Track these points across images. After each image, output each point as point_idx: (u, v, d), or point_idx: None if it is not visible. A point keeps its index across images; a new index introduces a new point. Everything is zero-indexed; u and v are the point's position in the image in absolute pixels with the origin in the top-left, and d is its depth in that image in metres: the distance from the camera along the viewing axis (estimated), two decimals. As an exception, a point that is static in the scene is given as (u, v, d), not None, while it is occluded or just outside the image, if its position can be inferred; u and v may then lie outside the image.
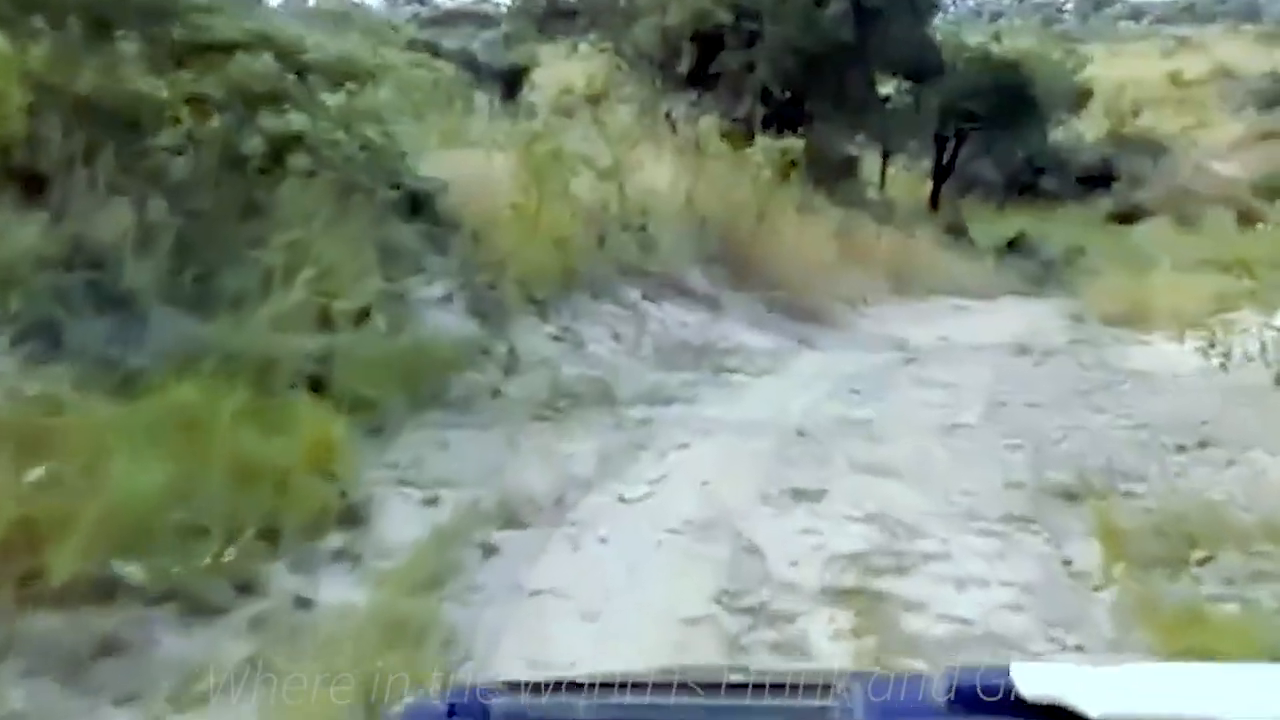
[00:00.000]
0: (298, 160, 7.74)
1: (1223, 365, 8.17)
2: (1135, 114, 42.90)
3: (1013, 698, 0.95)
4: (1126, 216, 36.77)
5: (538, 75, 28.71)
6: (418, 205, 9.15)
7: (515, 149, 10.52)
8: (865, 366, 10.03)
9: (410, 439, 6.03)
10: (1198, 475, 6.09)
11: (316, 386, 6.09)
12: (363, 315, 7.21)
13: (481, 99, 18.34)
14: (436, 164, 9.67)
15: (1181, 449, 6.57)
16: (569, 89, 26.82)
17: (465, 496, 5.26)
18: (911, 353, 11.19)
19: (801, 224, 14.70)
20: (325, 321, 6.87)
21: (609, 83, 19.75)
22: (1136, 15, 68.77)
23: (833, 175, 24.10)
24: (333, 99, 8.42)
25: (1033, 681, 0.96)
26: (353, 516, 4.72)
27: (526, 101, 23.61)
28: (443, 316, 8.09)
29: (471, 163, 10.29)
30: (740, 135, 15.71)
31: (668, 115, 13.55)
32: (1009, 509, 5.51)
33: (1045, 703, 0.94)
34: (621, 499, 5.54)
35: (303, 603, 3.96)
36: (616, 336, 9.39)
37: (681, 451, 6.44)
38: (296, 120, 7.94)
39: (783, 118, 18.46)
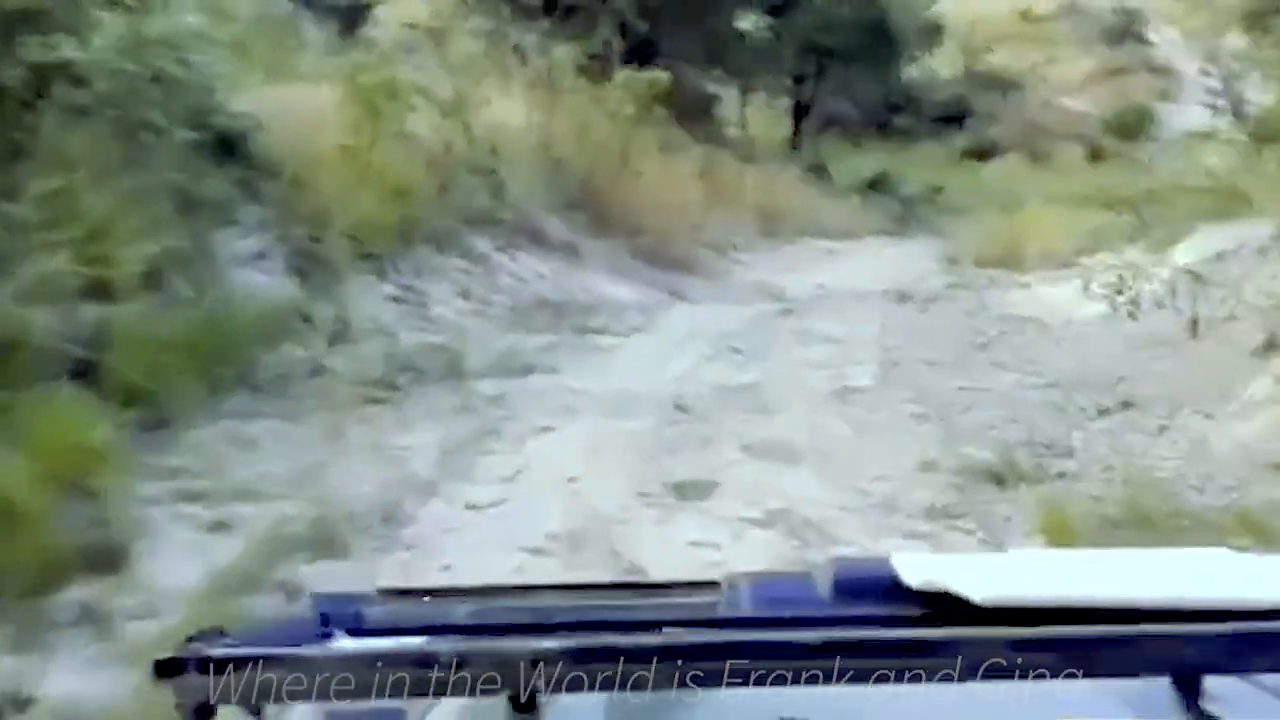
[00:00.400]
0: (64, 93, 6.40)
1: (1131, 314, 7.54)
2: (987, 50, 43.05)
3: (896, 586, 0.94)
4: (980, 153, 36.86)
5: (381, 10, 26.91)
6: (228, 147, 7.82)
7: (344, 83, 9.22)
8: (743, 320, 9.14)
9: (203, 436, 4.87)
10: (1130, 445, 5.36)
11: (83, 374, 4.88)
12: (150, 281, 5.97)
13: (316, 32, 16.77)
14: (256, 101, 8.37)
15: (1104, 412, 5.84)
16: (413, 23, 25.18)
17: (268, 514, 4.15)
18: (790, 303, 10.36)
19: (665, 165, 13.71)
20: (100, 290, 5.63)
21: (454, 14, 18.30)
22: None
23: (693, 113, 23.20)
24: (115, 24, 7.05)
25: (915, 570, 0.95)
26: (108, 556, 3.58)
27: (367, 37, 21.95)
28: (255, 277, 6.86)
29: (298, 100, 8.97)
30: (596, 71, 14.62)
31: (516, 48, 12.35)
32: (931, 499, 4.66)
33: (929, 590, 0.93)
34: (470, 506, 4.50)
35: (17, 703, 2.83)
36: (465, 294, 8.29)
37: (542, 438, 5.43)
38: (65, 45, 6.58)
39: (640, 52, 17.39)
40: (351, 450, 5.01)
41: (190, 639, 0.88)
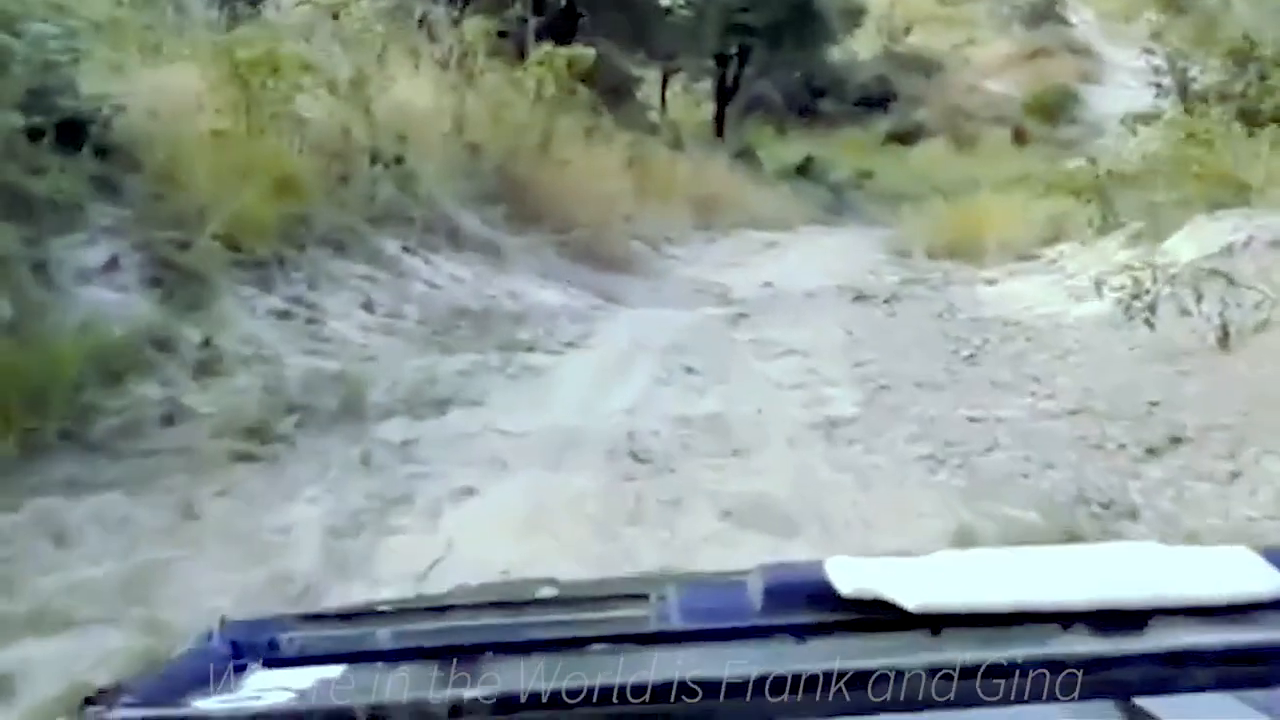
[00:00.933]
0: None
1: (1149, 320, 6.52)
2: (906, 31, 42.46)
3: (829, 593, 0.93)
4: (904, 137, 36.16)
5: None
6: (75, 135, 6.45)
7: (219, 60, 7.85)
8: (690, 329, 7.98)
9: (2, 526, 3.57)
10: (1201, 498, 4.29)
11: None
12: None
13: (207, 10, 15.22)
14: (125, 83, 7.01)
15: (1152, 452, 4.77)
16: None
17: (71, 654, 2.88)
18: (739, 306, 9.23)
19: (591, 152, 12.52)
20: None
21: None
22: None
23: (614, 97, 22.01)
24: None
25: (848, 576, 0.93)
26: None
27: (265, 17, 20.36)
28: (102, 294, 5.52)
29: (172, 82, 7.60)
30: (512, 49, 13.36)
31: (422, 22, 11.03)
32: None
33: (861, 597, 0.92)
34: (368, 623, 3.30)
35: None
36: (368, 305, 7.00)
37: (465, 505, 4.19)
38: None
39: (557, 29, 16.16)
40: (209, 536, 3.74)
41: (88, 700, 0.84)
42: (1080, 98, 35.72)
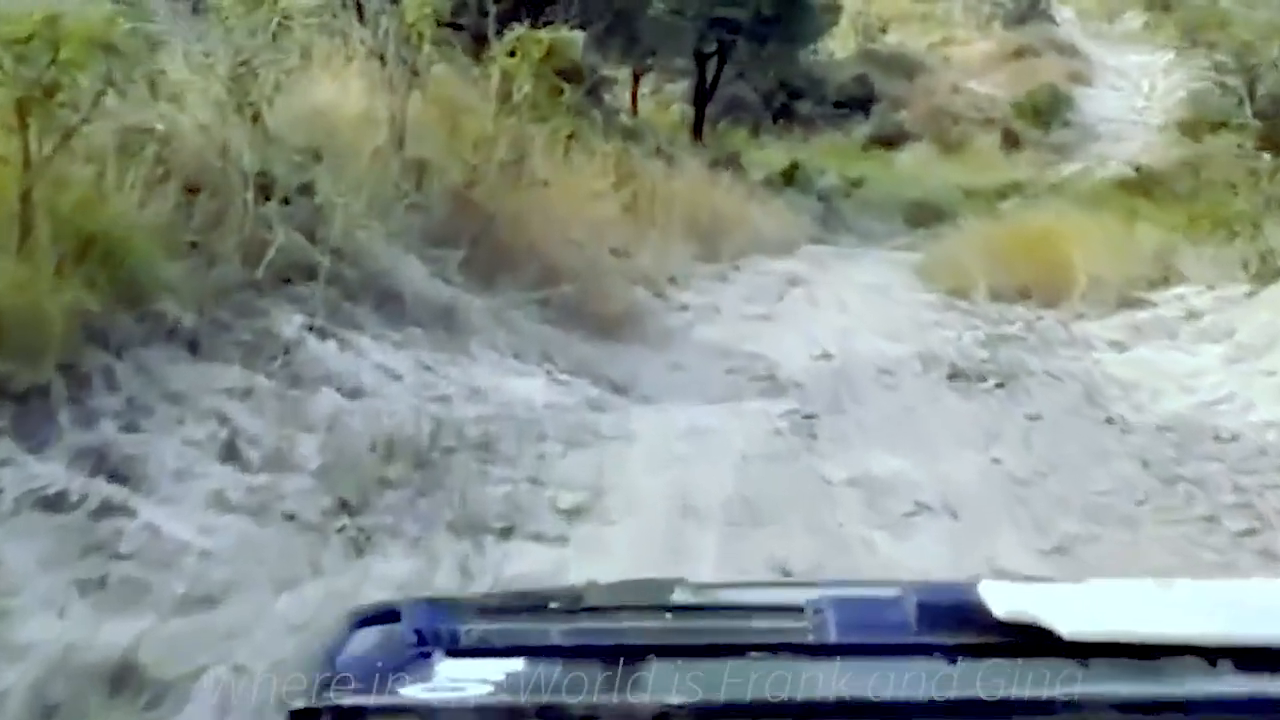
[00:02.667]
0: None
1: None
2: (883, 30, 39.82)
3: (983, 615, 0.93)
4: (887, 141, 33.45)
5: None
6: None
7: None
8: (748, 456, 5.08)
9: None
10: None
11: None
12: None
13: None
14: None
15: None
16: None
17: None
18: (797, 396, 6.30)
19: (573, 169, 9.62)
20: None
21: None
22: (862, -67, 66.54)
23: (587, 99, 19.15)
24: None
25: (1003, 599, 0.93)
26: None
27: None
28: None
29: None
30: (467, 41, 10.44)
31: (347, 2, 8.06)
32: None
33: (1015, 621, 0.91)
34: None
35: None
36: (232, 453, 4.08)
37: None
38: None
39: (517, 18, 13.27)
40: None
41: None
42: (1072, 99, 33.25)
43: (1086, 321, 8.86)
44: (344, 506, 3.90)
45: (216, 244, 5.28)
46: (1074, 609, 0.91)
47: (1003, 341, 8.19)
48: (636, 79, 25.94)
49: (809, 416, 5.86)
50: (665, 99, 33.18)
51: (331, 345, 5.36)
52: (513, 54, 7.29)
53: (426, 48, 7.46)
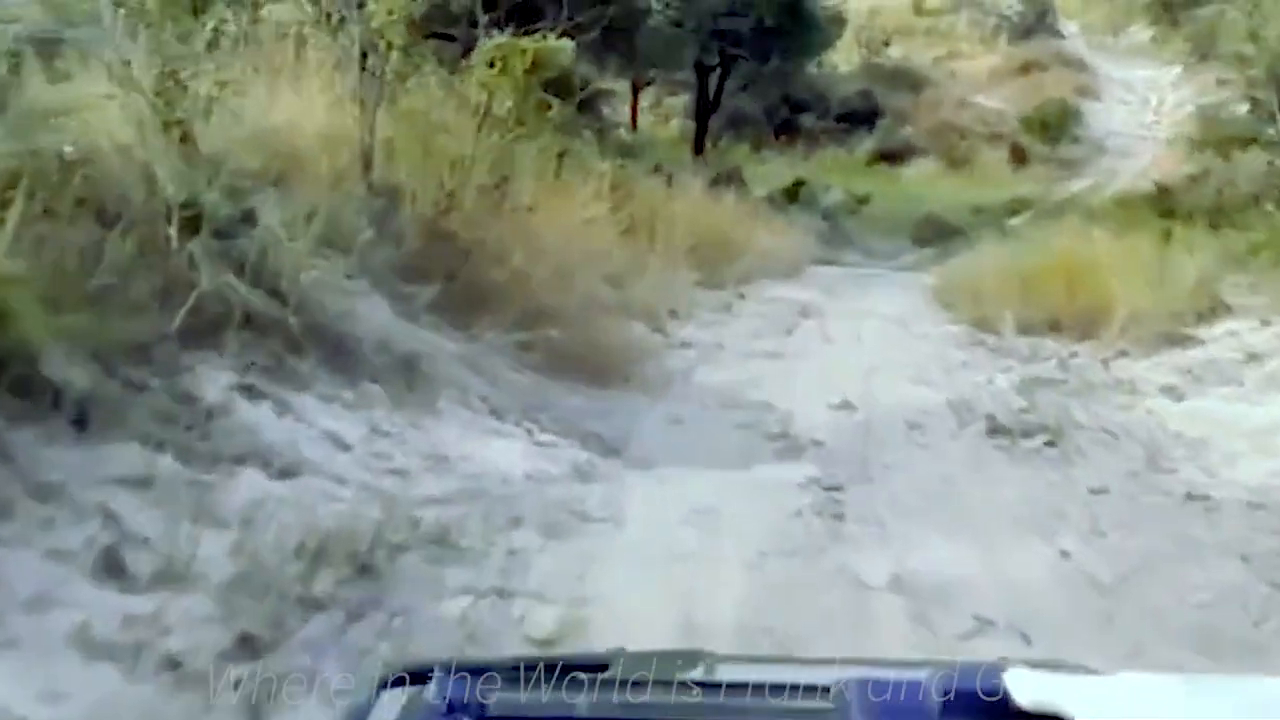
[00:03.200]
0: None
1: None
2: (886, 44, 38.98)
3: (1008, 703, 0.93)
4: (892, 156, 32.58)
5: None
6: None
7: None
8: (757, 539, 4.16)
9: None
10: None
11: None
12: None
13: None
14: None
15: None
16: None
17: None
18: (815, 459, 5.36)
19: (564, 192, 8.75)
20: None
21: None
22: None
23: (582, 112, 18.30)
24: None
25: (1029, 687, 0.94)
26: None
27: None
28: None
29: None
30: (455, 50, 9.57)
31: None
32: None
33: (1041, 711, 0.91)
34: None
35: None
36: (112, 566, 3.17)
37: None
38: None
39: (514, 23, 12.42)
40: None
41: None
42: (1080, 114, 32.38)
43: (1130, 361, 7.94)
44: (247, 644, 2.98)
45: (131, 289, 4.37)
46: (1100, 701, 0.91)
47: (1040, 385, 7.27)
48: (636, 92, 25.08)
49: (833, 489, 4.93)
50: (665, 113, 32.36)
51: (265, 409, 4.45)
52: (493, 65, 6.37)
53: (395, 57, 6.56)
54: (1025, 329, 9.28)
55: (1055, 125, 31.49)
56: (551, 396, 5.91)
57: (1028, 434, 5.93)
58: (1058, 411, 6.43)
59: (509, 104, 6.48)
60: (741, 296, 10.64)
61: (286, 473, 4.14)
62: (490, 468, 4.78)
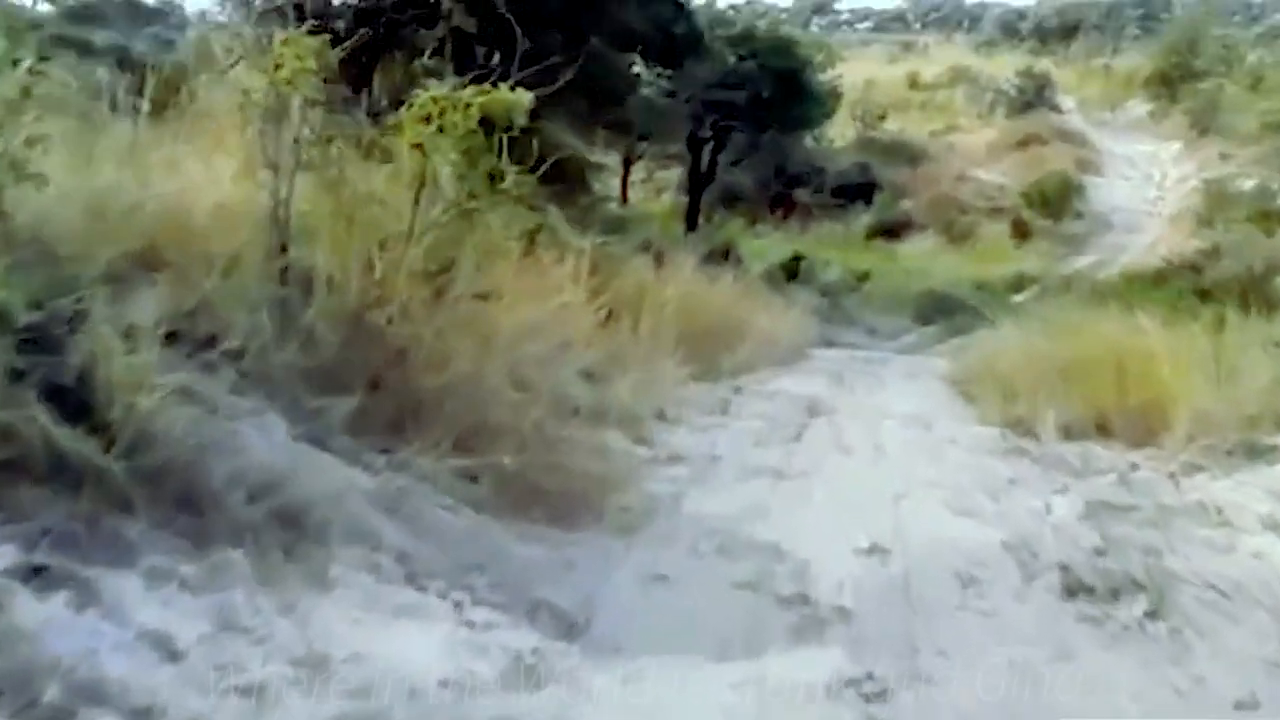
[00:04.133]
0: None
1: None
2: (881, 118, 38.14)
3: None
4: (890, 231, 31.48)
5: None
6: None
7: None
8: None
9: None
10: None
11: None
12: None
13: None
14: None
15: None
16: None
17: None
18: (846, 643, 3.95)
19: (534, 272, 7.41)
20: None
21: None
22: (855, 21, 65.88)
23: (567, 187, 17.03)
24: None
25: None
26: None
27: None
28: None
29: None
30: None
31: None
32: None
33: None
34: None
35: None
36: None
37: None
38: None
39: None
40: None
41: None
42: (1083, 188, 31.33)
43: (1206, 478, 6.51)
44: None
45: None
46: None
47: (1109, 513, 5.84)
48: (627, 165, 23.95)
49: (875, 697, 3.48)
50: (658, 186, 31.26)
51: (59, 603, 3.02)
52: (429, 117, 5.02)
53: (314, 113, 5.22)
54: (1068, 432, 7.89)
55: (1057, 200, 30.43)
56: (496, 546, 4.46)
57: (1115, 593, 4.49)
58: (1142, 555, 5.00)
59: (450, 169, 5.11)
60: (739, 390, 9.24)
61: (60, 714, 2.69)
62: (392, 673, 3.32)
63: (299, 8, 5.73)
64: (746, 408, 8.43)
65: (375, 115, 6.64)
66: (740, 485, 6.08)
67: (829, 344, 16.91)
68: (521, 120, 4.99)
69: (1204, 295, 18.43)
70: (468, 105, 4.89)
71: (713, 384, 9.26)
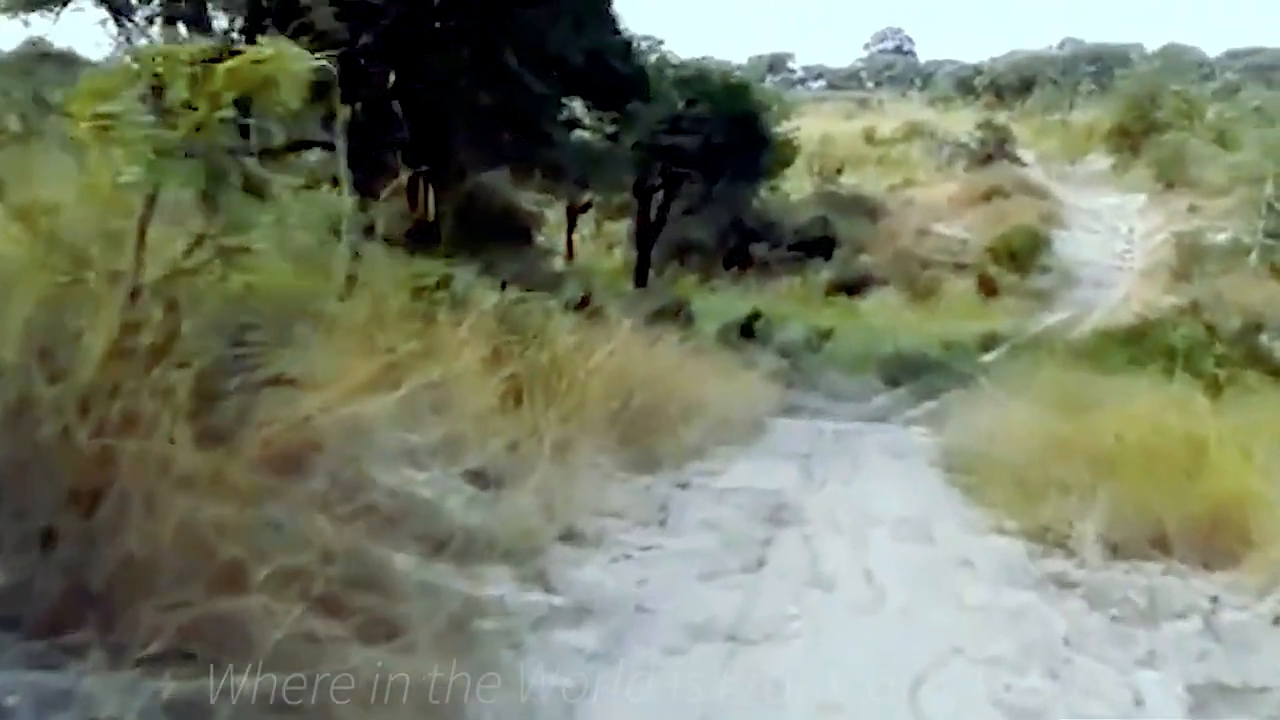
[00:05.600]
0: None
1: None
2: (839, 172, 36.65)
3: None
4: (850, 287, 29.75)
5: None
6: None
7: None
8: None
9: None
10: None
11: None
12: None
13: None
14: None
15: None
16: None
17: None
18: None
19: (427, 339, 5.36)
20: None
21: None
22: (809, 79, 65.01)
23: (494, 236, 15.13)
24: None
25: None
26: None
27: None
28: None
29: None
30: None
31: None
32: None
33: None
34: None
35: None
36: None
37: None
38: None
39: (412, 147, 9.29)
40: None
41: None
42: (1049, 242, 29.80)
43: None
44: None
45: None
46: None
47: (1225, 702, 3.82)
48: (572, 216, 22.06)
49: None
50: (609, 240, 29.41)
51: None
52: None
53: None
54: (1116, 548, 5.90)
55: (1024, 254, 28.86)
56: None
57: None
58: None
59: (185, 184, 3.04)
60: (684, 486, 7.20)
61: None
62: None
63: None
64: (691, 514, 6.36)
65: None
66: (675, 663, 4.00)
67: (791, 411, 14.93)
68: (296, 101, 2.93)
69: (1172, 353, 17.05)
70: (205, 68, 2.83)
71: (651, 478, 7.21)
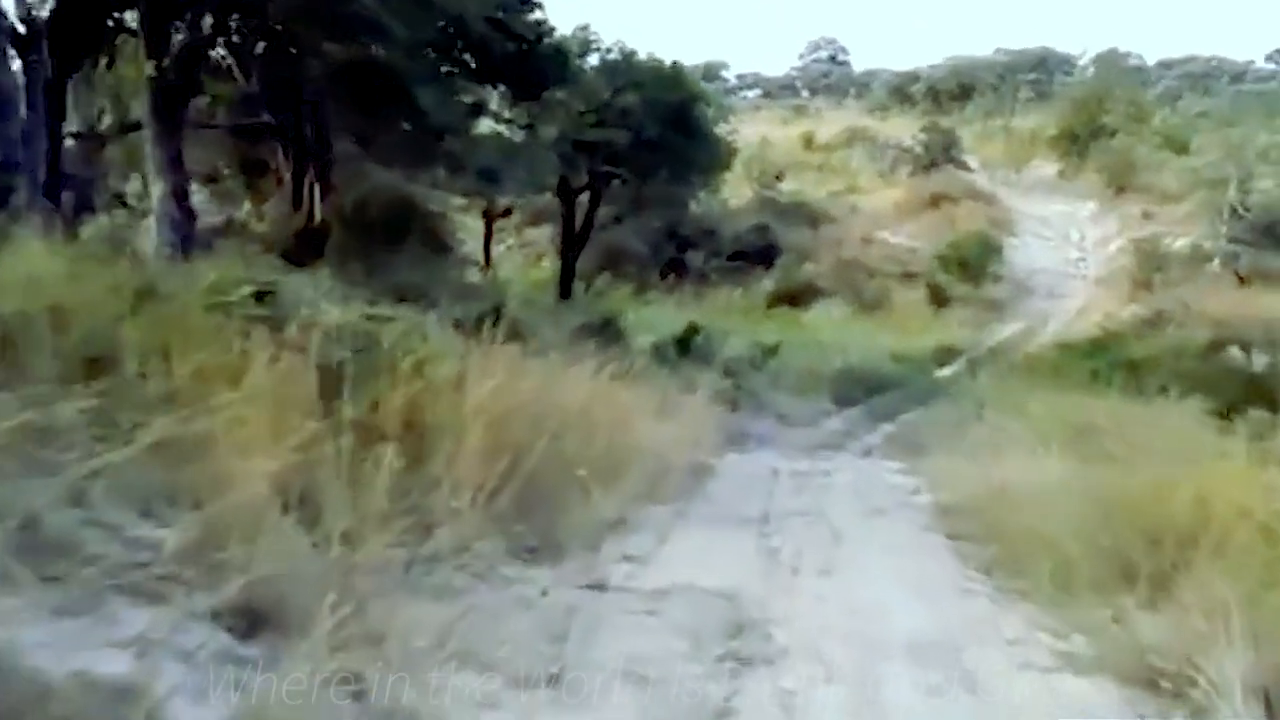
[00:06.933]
0: None
1: None
2: (778, 178, 34.68)
3: None
4: (794, 298, 27.71)
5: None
6: None
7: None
8: None
9: None
10: None
11: None
12: None
13: None
14: None
15: None
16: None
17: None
18: None
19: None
20: None
21: None
22: (744, 88, 63.37)
23: (393, 242, 12.79)
24: None
25: None
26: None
27: None
28: None
29: None
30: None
31: None
32: None
33: None
34: None
35: None
36: None
37: None
38: None
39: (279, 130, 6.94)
40: None
41: None
42: (1000, 250, 28.02)
43: None
44: None
45: None
46: None
47: None
48: (489, 222, 19.66)
49: None
50: (539, 251, 27.13)
51: None
52: None
53: None
54: (1267, 699, 3.71)
55: (975, 262, 27.03)
56: None
57: None
58: None
59: None
60: (598, 589, 4.89)
61: None
62: None
63: None
64: (605, 649, 4.05)
65: None
66: None
67: (738, 441, 12.72)
68: None
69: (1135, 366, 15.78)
70: None
71: (549, 572, 4.91)
